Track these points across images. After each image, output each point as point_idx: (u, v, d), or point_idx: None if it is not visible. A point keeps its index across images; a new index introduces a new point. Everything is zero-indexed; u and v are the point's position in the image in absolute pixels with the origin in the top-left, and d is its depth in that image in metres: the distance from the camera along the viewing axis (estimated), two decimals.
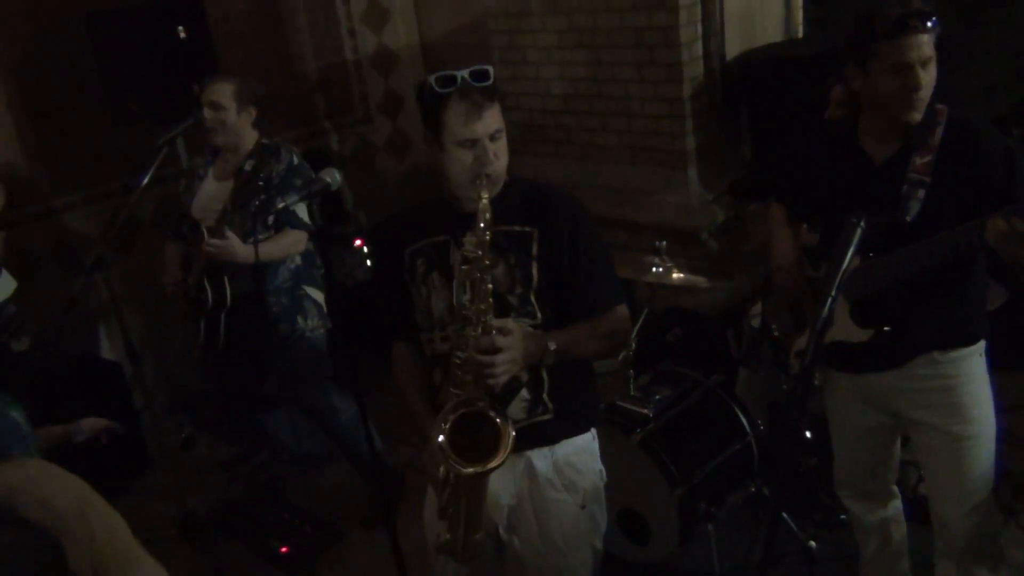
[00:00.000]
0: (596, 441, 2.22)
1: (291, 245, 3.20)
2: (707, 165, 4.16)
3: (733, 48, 4.15)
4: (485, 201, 1.87)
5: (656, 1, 3.90)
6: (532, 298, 2.00)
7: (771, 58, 4.10)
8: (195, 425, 4.22)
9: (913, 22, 1.95)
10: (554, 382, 2.05)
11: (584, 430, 2.16)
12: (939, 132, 2.06)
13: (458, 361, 1.91)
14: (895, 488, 2.53)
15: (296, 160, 3.22)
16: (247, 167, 3.17)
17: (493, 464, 1.83)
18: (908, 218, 2.06)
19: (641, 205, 4.22)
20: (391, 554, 2.34)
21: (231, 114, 3.20)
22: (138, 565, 1.62)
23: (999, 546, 2.37)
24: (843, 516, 2.74)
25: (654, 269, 2.99)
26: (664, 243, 3.05)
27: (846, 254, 1.80)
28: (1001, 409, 2.33)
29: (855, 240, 1.81)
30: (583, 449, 2.16)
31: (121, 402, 3.99)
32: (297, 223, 3.16)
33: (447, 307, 2.01)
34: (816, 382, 2.47)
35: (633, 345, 3.00)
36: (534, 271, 2.00)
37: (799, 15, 4.48)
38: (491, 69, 1.95)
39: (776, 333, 2.48)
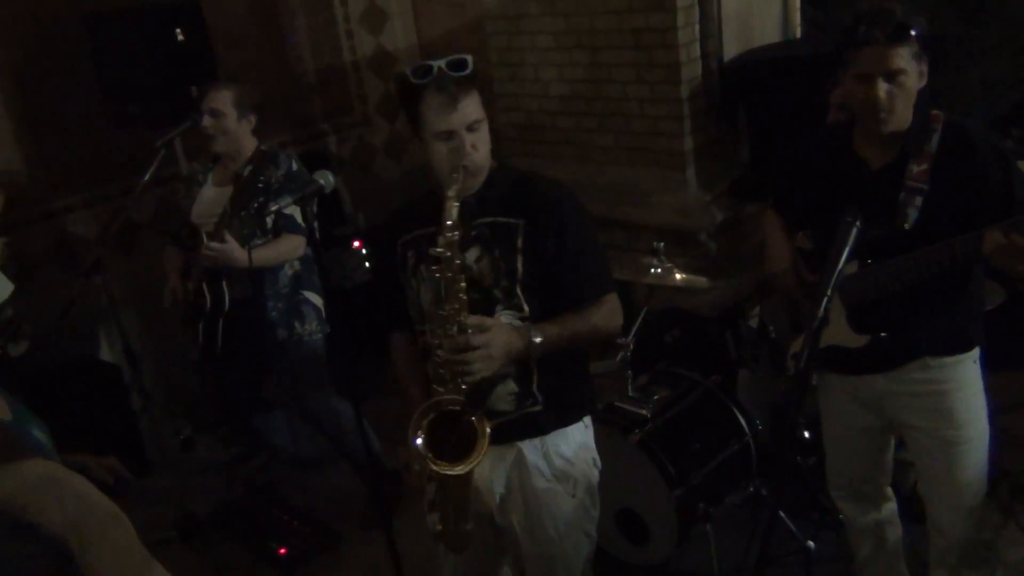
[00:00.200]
0: (590, 429, 2.22)
1: (290, 250, 3.20)
2: (705, 166, 4.16)
3: (731, 49, 4.15)
4: (452, 199, 1.86)
5: (654, 2, 3.90)
6: (518, 291, 2.00)
7: (769, 59, 4.10)
8: (194, 427, 4.22)
9: (869, 33, 1.95)
10: (543, 373, 2.05)
11: (576, 420, 2.17)
12: (935, 138, 2.05)
13: (437, 359, 1.91)
14: (889, 490, 2.52)
15: (295, 166, 3.22)
16: (246, 172, 3.18)
17: (467, 467, 1.85)
18: (907, 226, 2.05)
19: (639, 206, 4.22)
20: (389, 556, 2.34)
21: (231, 121, 3.20)
22: (149, 570, 1.61)
23: (994, 552, 2.37)
24: (842, 516, 2.74)
25: (652, 270, 2.99)
26: (662, 244, 3.04)
27: (841, 253, 1.80)
28: (998, 410, 2.33)
29: (851, 239, 1.80)
30: (575, 439, 2.16)
31: (120, 404, 4.00)
32: (295, 227, 3.15)
33: (434, 300, 2.01)
34: (814, 383, 2.47)
35: (631, 346, 2.99)
36: (519, 264, 1.99)
37: (797, 16, 4.48)
38: (469, 58, 1.92)
39: (773, 335, 2.48)
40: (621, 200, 4.28)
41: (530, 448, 2.10)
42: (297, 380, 3.36)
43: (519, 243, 1.99)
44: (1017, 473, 3.09)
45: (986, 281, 2.29)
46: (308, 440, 3.83)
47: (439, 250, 1.86)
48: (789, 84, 3.85)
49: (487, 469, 2.07)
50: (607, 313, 2.05)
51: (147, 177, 3.30)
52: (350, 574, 3.28)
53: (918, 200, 2.04)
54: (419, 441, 1.87)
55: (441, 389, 1.91)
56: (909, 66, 1.98)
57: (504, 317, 2.01)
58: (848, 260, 1.83)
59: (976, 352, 2.23)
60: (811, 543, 2.72)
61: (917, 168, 2.05)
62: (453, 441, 1.88)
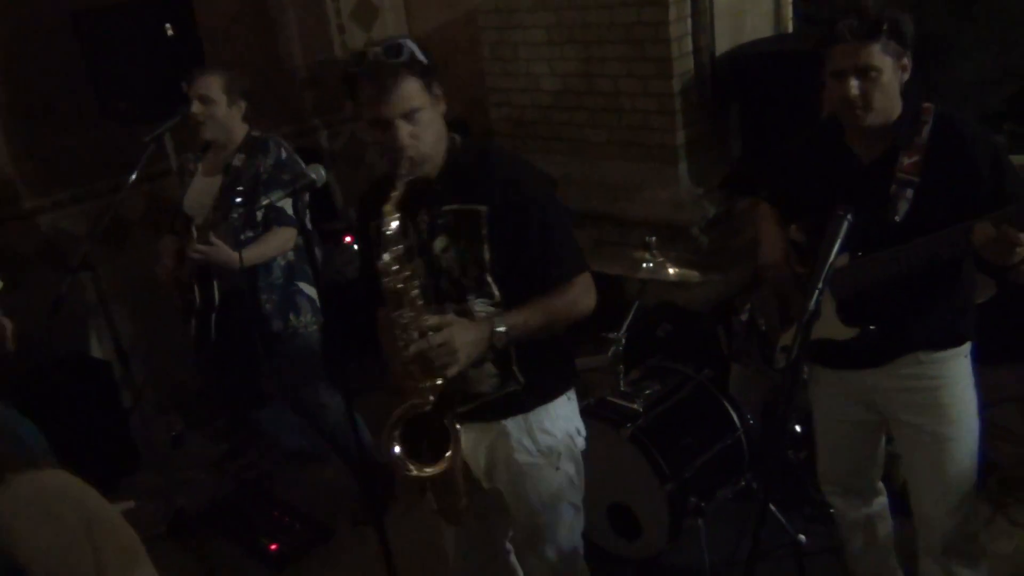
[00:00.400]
0: (573, 402, 2.22)
1: (281, 244, 3.16)
2: (697, 160, 4.16)
3: (723, 44, 4.15)
4: (390, 208, 1.85)
5: None
6: (488, 278, 2.00)
7: (761, 54, 4.10)
8: (185, 423, 4.21)
9: (842, 29, 1.96)
10: (522, 353, 2.05)
11: (558, 395, 2.17)
12: (926, 131, 2.05)
13: (406, 361, 1.92)
14: (880, 485, 2.53)
15: (284, 154, 3.18)
16: (236, 162, 3.15)
17: (440, 467, 1.90)
18: (897, 218, 2.05)
19: (631, 200, 4.22)
20: (381, 552, 2.33)
21: (221, 107, 3.16)
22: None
23: (980, 544, 2.37)
24: (833, 510, 2.75)
25: (644, 264, 2.98)
26: (654, 238, 3.04)
27: (833, 247, 1.80)
28: (988, 404, 2.33)
29: (841, 233, 1.81)
30: (558, 413, 2.17)
31: (110, 401, 3.98)
32: (286, 219, 3.11)
33: (392, 308, 1.98)
34: (804, 376, 2.47)
35: (623, 340, 2.99)
36: (486, 252, 1.98)
37: (788, 11, 4.47)
38: (406, 43, 1.88)
39: (764, 328, 2.48)
40: (613, 194, 4.28)
41: (513, 425, 2.12)
42: (292, 373, 3.35)
43: (484, 231, 1.97)
44: (1006, 466, 3.11)
45: (976, 278, 2.30)
46: (300, 434, 3.83)
47: (384, 265, 1.86)
48: (781, 78, 3.85)
49: (471, 445, 2.10)
50: (578, 294, 2.03)
51: (137, 173, 3.28)
52: (342, 570, 3.28)
53: (909, 192, 2.04)
54: (396, 450, 1.92)
55: (414, 383, 1.93)
56: (882, 63, 1.97)
57: (477, 305, 2.02)
58: (839, 254, 1.84)
59: (968, 347, 2.23)
60: (802, 536, 2.73)
61: (908, 160, 2.05)
62: (428, 440, 1.92)
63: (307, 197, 3.11)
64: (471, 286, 2.01)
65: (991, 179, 2.01)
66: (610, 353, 3.00)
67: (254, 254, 3.09)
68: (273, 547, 3.36)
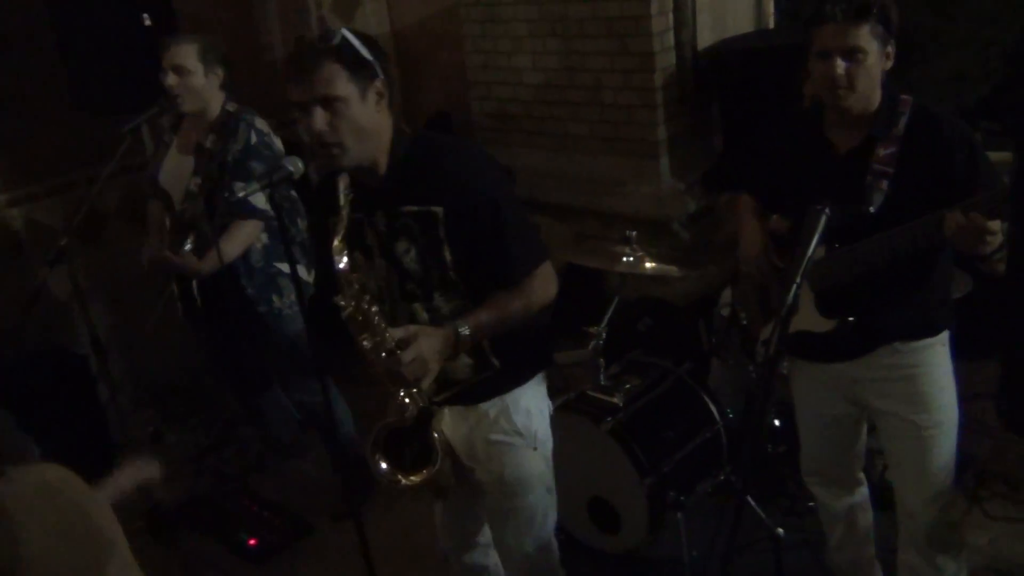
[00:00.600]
0: (544, 383, 2.26)
1: (247, 237, 3.08)
2: (679, 155, 4.17)
3: (704, 38, 4.16)
4: (339, 245, 1.87)
5: None
6: (452, 275, 2.01)
7: (742, 48, 4.11)
8: (162, 418, 4.17)
9: (832, 9, 1.97)
10: (496, 342, 2.07)
11: (533, 375, 2.20)
12: (902, 122, 2.07)
13: (379, 374, 1.94)
14: (861, 475, 2.55)
15: (254, 139, 3.04)
16: (208, 143, 3.05)
17: (426, 475, 1.96)
18: (872, 209, 2.06)
19: (612, 195, 4.22)
20: (360, 546, 2.32)
21: (198, 77, 3.01)
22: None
23: (961, 534, 2.40)
24: (811, 504, 2.77)
25: (625, 259, 2.99)
26: (634, 232, 3.04)
27: (810, 242, 1.81)
28: (965, 398, 2.35)
29: (819, 228, 1.82)
30: (533, 393, 2.20)
31: (87, 396, 3.94)
32: (250, 211, 3.03)
33: (356, 332, 1.97)
34: (784, 371, 2.48)
35: (604, 335, 2.99)
36: (446, 252, 1.98)
37: (770, 6, 4.50)
38: (345, 33, 1.87)
39: (744, 322, 2.49)
40: (595, 189, 4.28)
41: (490, 407, 2.15)
42: (280, 355, 3.31)
43: (442, 232, 1.97)
44: (982, 460, 3.14)
45: (954, 269, 2.32)
46: (284, 424, 3.80)
47: (345, 302, 1.88)
48: (762, 74, 3.86)
49: (450, 428, 2.12)
50: (539, 286, 2.04)
51: (113, 165, 3.23)
52: (321, 565, 3.26)
53: (884, 183, 2.06)
54: (383, 466, 1.99)
55: (394, 389, 1.96)
56: (869, 45, 1.99)
57: (443, 301, 2.04)
58: (817, 247, 1.84)
59: (945, 336, 2.25)
60: (780, 530, 2.74)
61: (884, 151, 2.06)
62: (410, 448, 1.97)
63: (286, 190, 3.07)
64: (436, 285, 2.03)
65: (965, 171, 2.02)
66: (590, 347, 2.99)
67: (228, 255, 3.03)
68: (252, 542, 3.34)
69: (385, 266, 2.04)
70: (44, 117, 3.98)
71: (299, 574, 3.25)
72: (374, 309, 1.91)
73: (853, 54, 1.99)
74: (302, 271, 3.13)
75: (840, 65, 2.00)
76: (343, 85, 1.84)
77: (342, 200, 1.91)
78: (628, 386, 3.00)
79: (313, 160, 1.94)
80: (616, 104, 4.14)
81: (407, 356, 1.87)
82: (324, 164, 1.91)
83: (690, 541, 2.80)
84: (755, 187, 2.43)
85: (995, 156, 2.31)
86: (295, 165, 2.01)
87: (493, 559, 2.46)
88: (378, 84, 1.91)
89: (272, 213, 3.03)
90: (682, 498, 2.81)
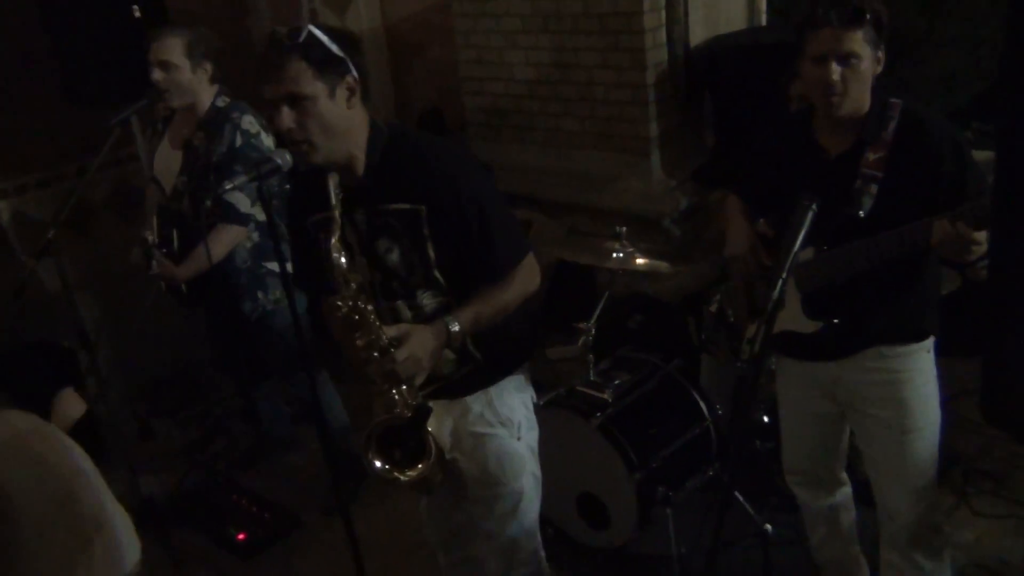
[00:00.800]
0: (527, 374, 2.27)
1: (230, 242, 3.07)
2: (670, 152, 4.17)
3: (697, 35, 4.15)
4: (335, 247, 1.87)
5: None
6: (436, 274, 2.02)
7: (734, 45, 4.11)
8: (152, 412, 4.16)
9: (828, 14, 1.98)
10: (479, 337, 2.08)
11: (516, 366, 2.21)
12: (892, 126, 2.07)
13: (370, 376, 1.95)
14: (844, 476, 2.55)
15: (239, 141, 3.00)
16: (195, 141, 3.04)
17: (421, 472, 1.97)
18: (861, 213, 2.07)
19: (604, 191, 4.22)
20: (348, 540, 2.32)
21: (184, 72, 2.98)
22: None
23: (943, 536, 2.40)
24: (797, 501, 2.77)
25: (615, 255, 2.99)
26: (624, 228, 3.04)
27: (798, 236, 1.81)
28: (952, 395, 2.36)
29: (807, 222, 1.82)
30: (516, 384, 2.22)
31: (75, 389, 3.92)
32: (235, 216, 3.01)
33: (349, 332, 1.98)
34: (772, 367, 2.49)
35: (593, 331, 2.99)
36: (430, 250, 1.99)
37: (763, 3, 4.49)
38: (312, 29, 1.85)
39: (732, 319, 2.50)
40: (586, 185, 4.27)
41: (474, 400, 2.16)
42: (270, 351, 3.31)
43: (425, 230, 1.97)
44: (969, 457, 3.15)
45: (941, 272, 2.32)
46: (276, 419, 3.79)
47: (339, 306, 1.89)
48: (754, 71, 3.86)
49: (435, 420, 2.12)
50: (523, 279, 2.06)
51: (101, 157, 3.21)
52: (310, 559, 3.26)
53: (873, 188, 2.06)
54: (378, 464, 2.00)
55: (386, 388, 1.96)
56: (863, 50, 2.00)
57: (426, 298, 2.05)
58: (804, 244, 1.85)
59: (930, 342, 2.25)
60: (768, 526, 2.75)
61: (873, 155, 2.07)
62: (402, 445, 1.98)
63: (280, 183, 3.06)
64: (420, 283, 2.03)
65: (954, 175, 2.03)
66: (580, 343, 2.99)
67: (193, 268, 3.03)
68: (241, 536, 3.33)
69: (366, 264, 2.04)
70: (33, 109, 3.95)
71: (289, 568, 3.24)
72: (369, 308, 1.90)
73: (848, 59, 2.00)
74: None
75: (836, 70, 2.00)
76: (308, 83, 1.83)
77: (333, 199, 1.89)
78: (618, 382, 3.00)
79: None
80: (608, 100, 4.14)
81: (401, 355, 1.88)
82: (298, 160, 1.90)
83: (679, 537, 2.81)
84: (746, 189, 2.43)
85: (986, 156, 2.31)
86: (283, 158, 1.99)
87: (480, 551, 2.46)
88: (349, 80, 1.89)
89: (259, 218, 3.03)
90: (671, 494, 2.81)
